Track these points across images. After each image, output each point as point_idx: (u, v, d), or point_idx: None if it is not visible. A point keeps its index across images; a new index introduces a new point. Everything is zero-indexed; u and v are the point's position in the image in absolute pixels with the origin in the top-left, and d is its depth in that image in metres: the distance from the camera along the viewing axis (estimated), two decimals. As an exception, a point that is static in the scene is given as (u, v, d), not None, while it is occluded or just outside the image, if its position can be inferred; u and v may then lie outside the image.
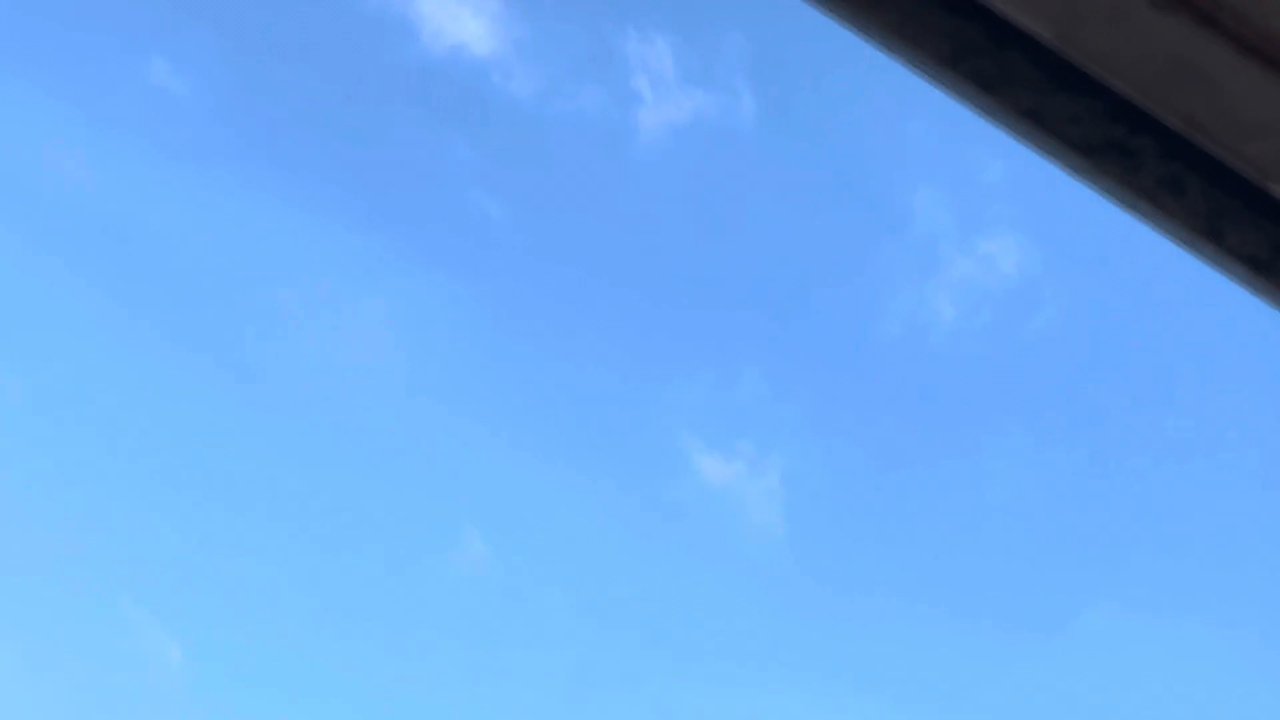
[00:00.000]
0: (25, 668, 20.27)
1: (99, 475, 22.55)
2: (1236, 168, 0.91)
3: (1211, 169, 0.91)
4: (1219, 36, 0.88)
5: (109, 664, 22.06)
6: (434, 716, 23.03)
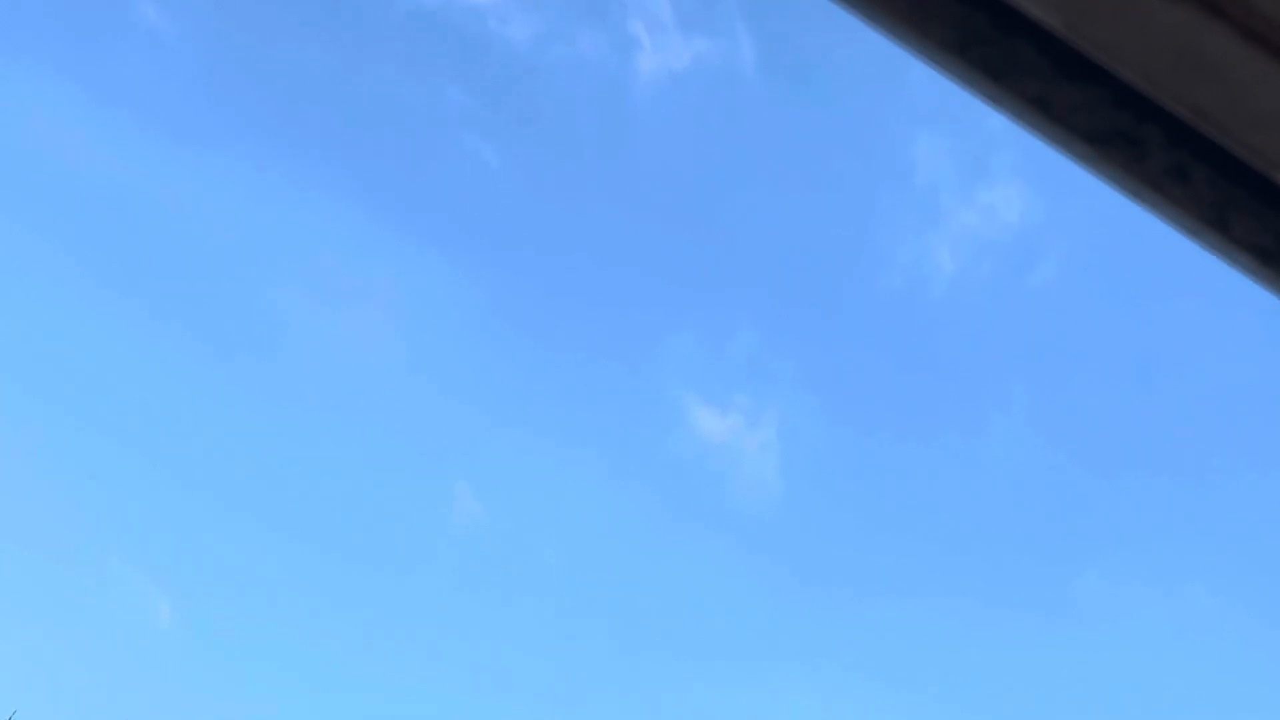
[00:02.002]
0: (16, 626, 20.37)
1: (89, 438, 22.59)
2: (1243, 157, 0.91)
3: (1218, 158, 0.92)
4: (1226, 26, 0.88)
5: (99, 622, 22.16)
6: (428, 671, 23.18)
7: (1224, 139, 0.91)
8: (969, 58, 0.94)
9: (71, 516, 21.90)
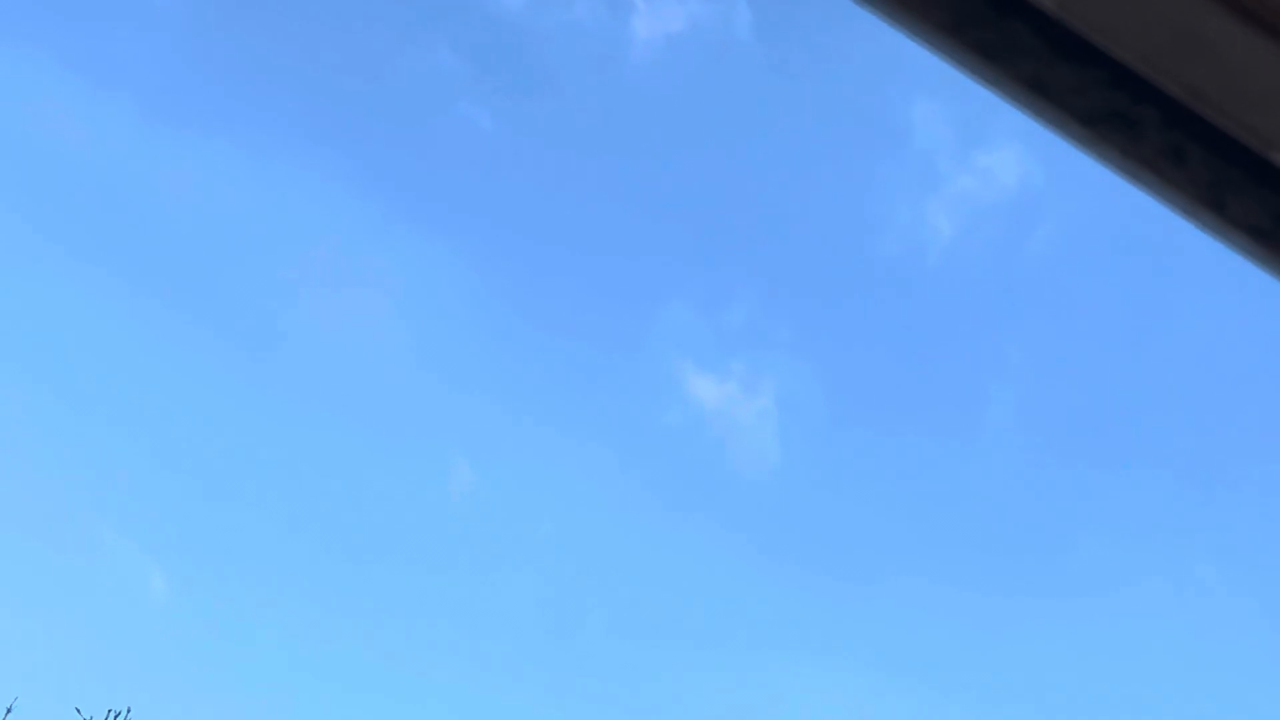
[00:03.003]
0: (8, 597, 20.40)
1: (83, 412, 22.58)
2: (1239, 137, 0.91)
3: (1214, 139, 0.92)
4: (1222, 6, 0.88)
5: (93, 595, 22.19)
6: (422, 645, 23.23)
7: (1220, 119, 0.91)
8: (964, 39, 0.94)
9: (63, 488, 21.90)
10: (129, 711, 14.50)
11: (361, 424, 23.29)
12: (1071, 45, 0.93)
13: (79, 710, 14.41)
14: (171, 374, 22.63)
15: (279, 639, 22.45)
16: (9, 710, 14.25)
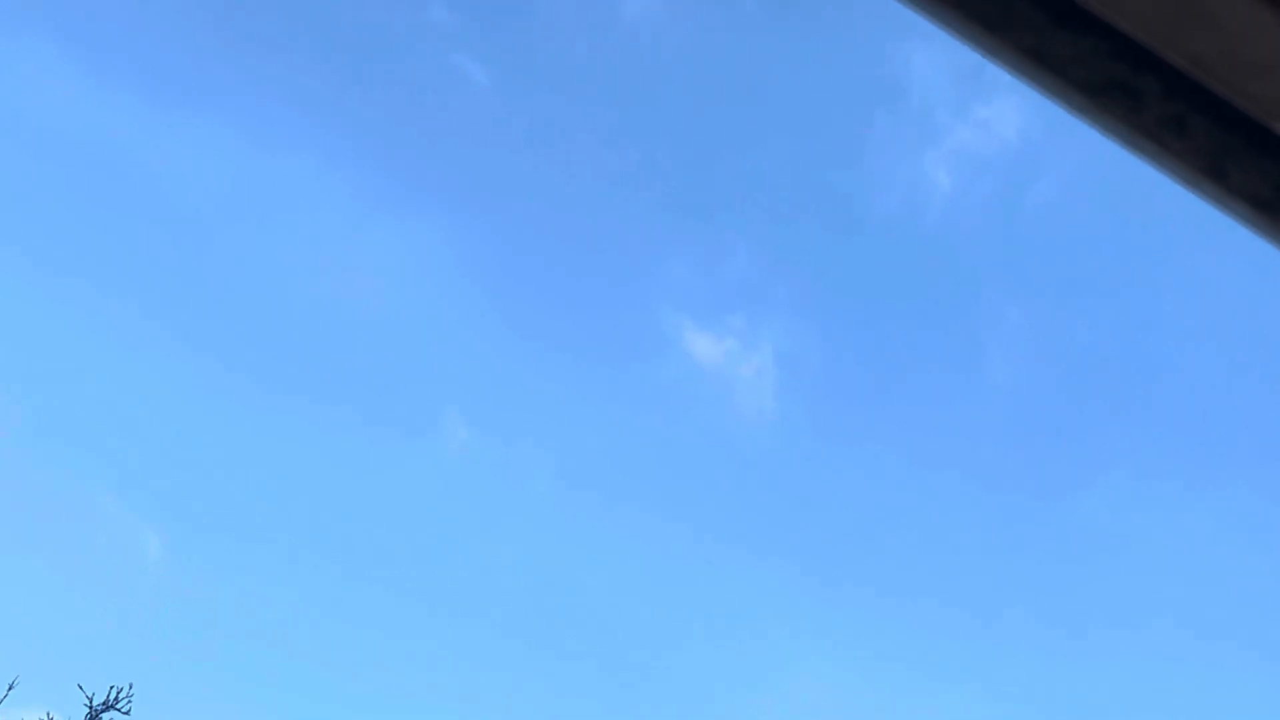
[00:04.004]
0: (6, 563, 20.40)
1: (74, 376, 22.52)
2: (1240, 107, 0.90)
3: (1215, 108, 0.91)
4: (1223, -25, 0.87)
5: (88, 555, 22.18)
6: (419, 600, 23.24)
7: (1222, 89, 0.90)
8: (964, 9, 0.94)
9: (56, 452, 21.86)
10: (130, 688, 14.52)
11: (355, 381, 23.26)
12: (1072, 15, 0.92)
13: (81, 687, 14.44)
14: (165, 339, 22.58)
15: (274, 597, 22.50)
16: (10, 688, 14.28)
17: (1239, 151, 0.91)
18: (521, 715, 22.69)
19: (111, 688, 14.49)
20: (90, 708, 14.30)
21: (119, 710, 14.38)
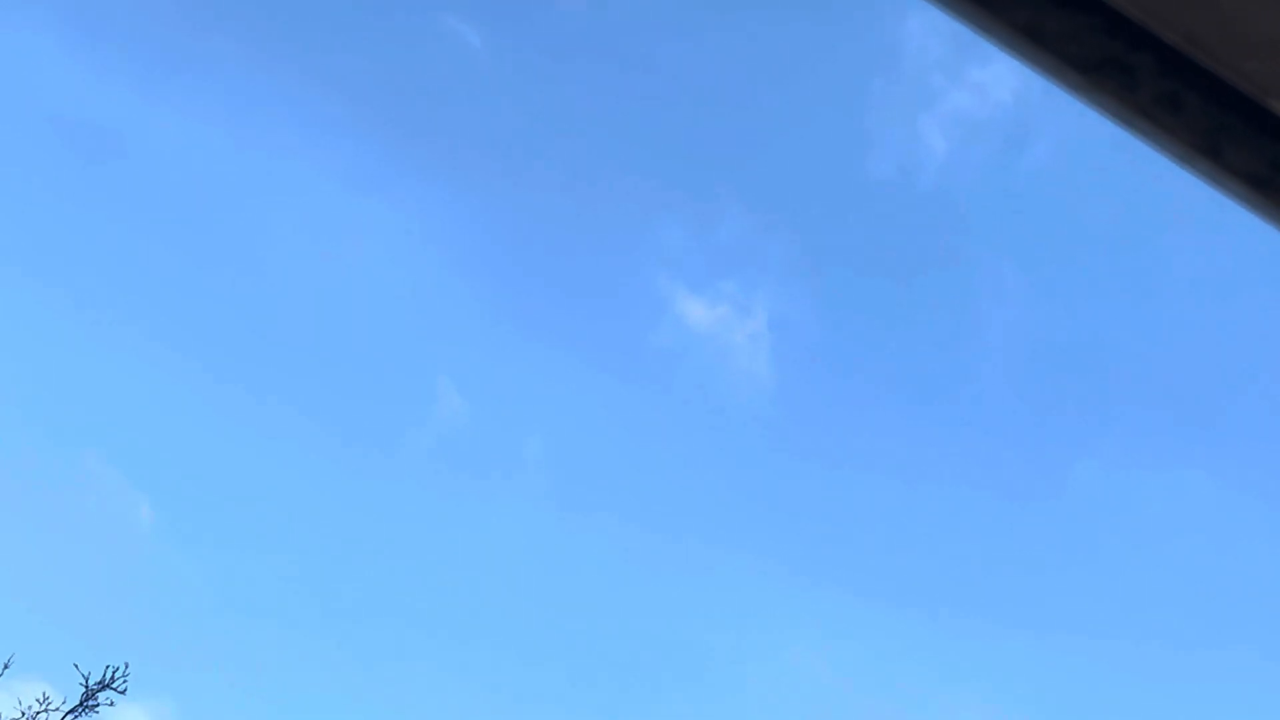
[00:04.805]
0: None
1: (64, 334, 22.47)
2: (1236, 84, 0.90)
3: (1210, 86, 0.91)
4: (1219, -49, 0.87)
5: (79, 521, 22.15)
6: (412, 567, 23.24)
7: (1217, 66, 0.90)
8: (958, -14, 0.93)
9: (47, 418, 21.82)
10: (126, 668, 14.52)
11: (347, 349, 23.24)
12: (1067, -8, 0.92)
13: (77, 666, 14.44)
14: (159, 302, 22.53)
15: (266, 564, 22.51)
16: (6, 666, 14.28)
17: (1234, 129, 0.91)
18: (513, 681, 22.74)
19: (107, 667, 14.50)
20: (86, 687, 14.32)
21: (114, 689, 14.40)
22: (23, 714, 14.17)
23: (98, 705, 14.36)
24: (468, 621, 22.88)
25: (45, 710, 14.25)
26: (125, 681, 14.46)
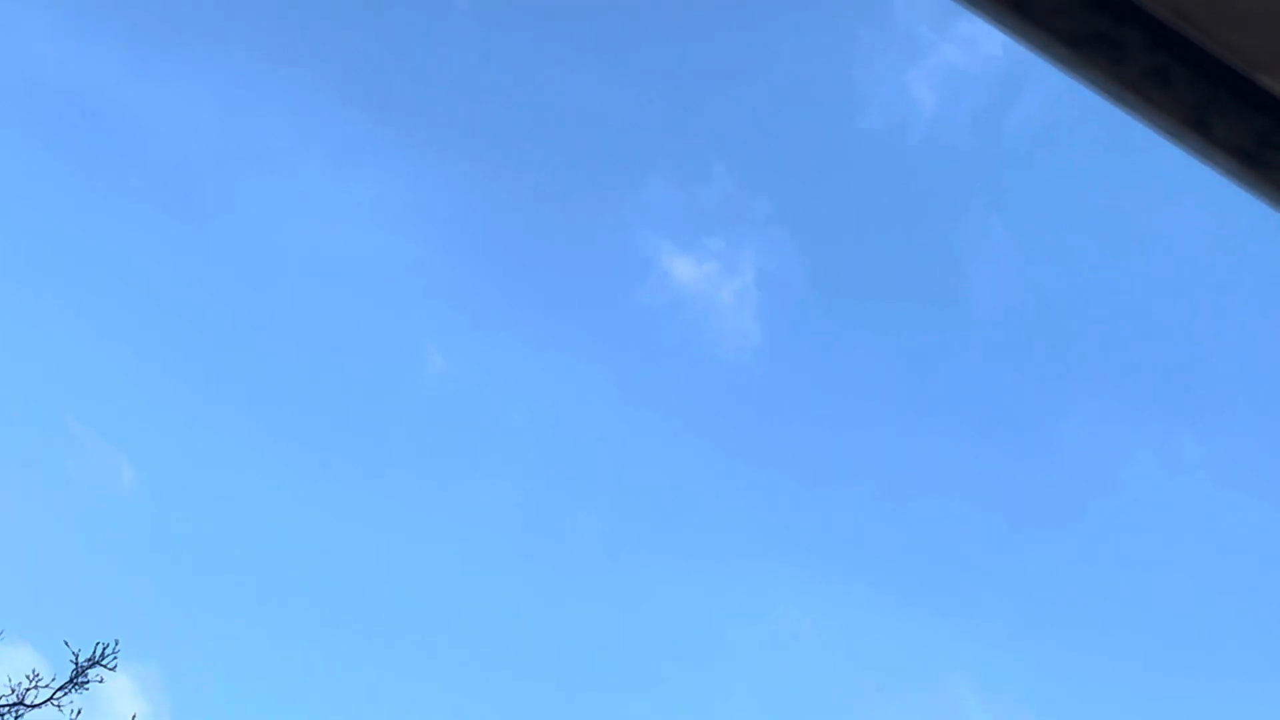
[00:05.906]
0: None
1: (43, 296, 22.37)
2: (1224, 58, 0.90)
3: (1198, 60, 0.91)
4: (1207, -75, 0.87)
5: (60, 483, 22.11)
6: (399, 529, 23.24)
7: (1204, 40, 0.89)
8: (946, -39, 0.93)
9: (26, 374, 21.76)
10: (117, 644, 14.49)
11: (335, 311, 23.20)
12: (1055, -34, 0.91)
13: (67, 644, 14.41)
14: (147, 265, 22.45)
15: (250, 526, 22.51)
16: (-1, 633, 14.23)
17: (1222, 103, 0.91)
18: (509, 642, 22.82)
19: (97, 644, 14.47)
20: (76, 664, 14.31)
21: (104, 666, 14.38)
22: (13, 690, 14.15)
23: (87, 682, 14.36)
24: (452, 588, 22.90)
25: (35, 687, 14.23)
26: (115, 659, 14.44)
